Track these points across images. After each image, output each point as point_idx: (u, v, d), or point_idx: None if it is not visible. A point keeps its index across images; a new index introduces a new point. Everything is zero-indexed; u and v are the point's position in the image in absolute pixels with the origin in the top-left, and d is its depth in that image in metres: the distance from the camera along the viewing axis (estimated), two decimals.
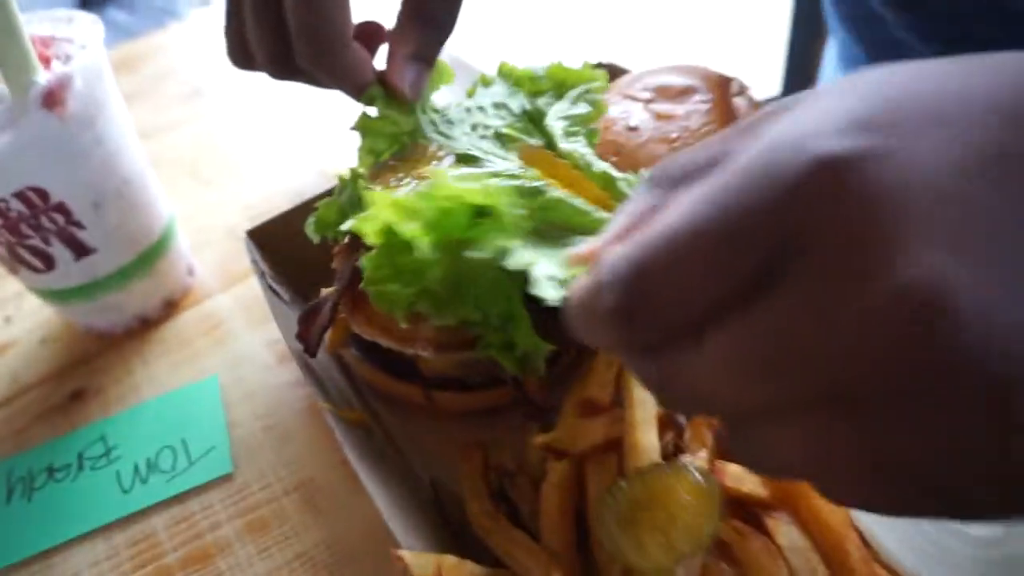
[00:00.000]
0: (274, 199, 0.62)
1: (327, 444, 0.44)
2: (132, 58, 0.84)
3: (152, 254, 0.51)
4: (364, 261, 0.32)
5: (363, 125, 0.43)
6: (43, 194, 0.44)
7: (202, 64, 0.84)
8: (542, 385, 0.39)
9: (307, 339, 0.41)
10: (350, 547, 0.39)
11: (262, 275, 0.46)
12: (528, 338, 0.33)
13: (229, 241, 0.59)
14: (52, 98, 0.42)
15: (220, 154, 0.69)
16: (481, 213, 0.30)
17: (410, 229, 0.30)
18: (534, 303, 0.35)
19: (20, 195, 0.43)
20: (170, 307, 0.54)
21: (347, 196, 0.37)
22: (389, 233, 0.30)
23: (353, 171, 0.37)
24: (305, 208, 0.47)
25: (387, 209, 0.30)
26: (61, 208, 0.45)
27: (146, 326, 0.53)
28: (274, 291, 0.46)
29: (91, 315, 0.52)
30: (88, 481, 0.44)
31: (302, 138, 0.68)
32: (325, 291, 0.45)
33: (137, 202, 0.49)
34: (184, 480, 0.43)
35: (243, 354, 0.50)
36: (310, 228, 0.40)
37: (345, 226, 0.33)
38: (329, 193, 0.45)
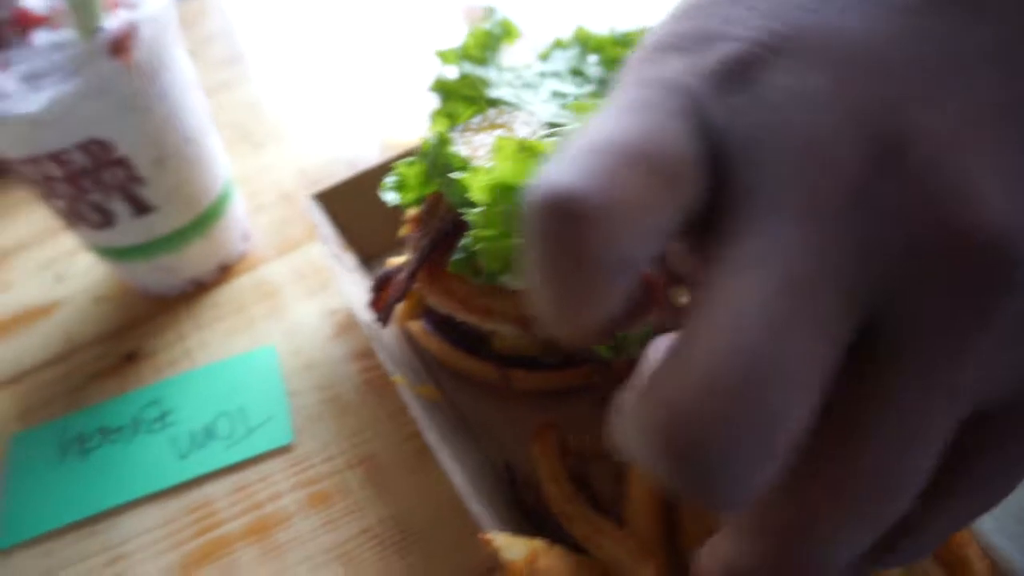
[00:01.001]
0: (331, 166, 0.60)
1: (389, 420, 0.42)
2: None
3: (210, 216, 0.49)
4: (472, 216, 0.30)
5: (441, 87, 0.41)
6: (107, 147, 0.42)
7: (244, 30, 0.82)
8: (630, 367, 0.37)
9: (380, 309, 0.39)
10: (417, 526, 0.37)
11: (328, 240, 0.44)
12: None
13: (284, 207, 0.58)
14: (118, 46, 0.40)
15: (270, 119, 0.67)
16: None
17: None
18: None
19: (83, 147, 0.41)
20: (224, 272, 0.53)
21: (431, 159, 0.35)
22: (504, 187, 0.29)
23: (440, 133, 0.35)
24: (376, 173, 0.46)
25: (512, 157, 0.28)
26: (124, 163, 0.43)
27: (200, 290, 0.52)
28: (339, 258, 0.44)
29: (147, 276, 0.50)
30: (143, 444, 0.43)
31: (357, 105, 0.66)
32: (393, 261, 0.43)
33: (198, 161, 0.47)
34: (243, 448, 0.42)
35: (299, 324, 0.49)
36: (388, 190, 0.38)
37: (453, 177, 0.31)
38: (396, 160, 0.43)
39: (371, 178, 0.47)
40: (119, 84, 0.41)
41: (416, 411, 0.35)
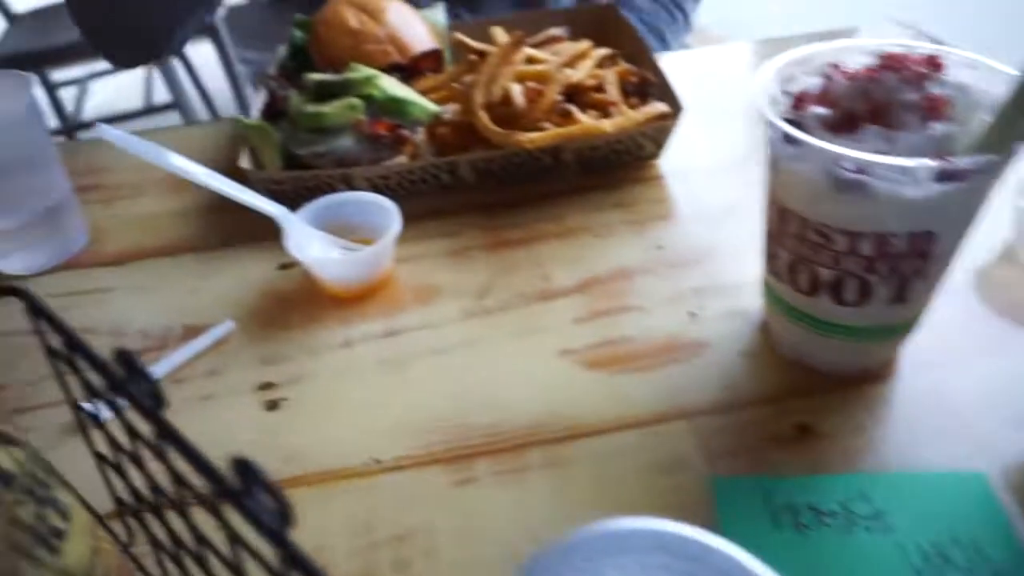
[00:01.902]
0: None
1: None
2: None
3: (919, 315, 0.48)
4: None
5: None
6: (930, 241, 0.41)
7: None
8: None
9: None
10: None
11: None
12: None
13: None
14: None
15: None
16: None
17: None
18: None
19: (912, 235, 0.41)
20: (887, 367, 0.51)
21: None
22: None
23: None
24: None
25: None
26: (927, 256, 0.42)
27: (865, 379, 0.50)
28: None
29: (825, 352, 0.50)
30: (864, 542, 0.41)
31: None
32: None
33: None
34: None
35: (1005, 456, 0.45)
36: None
37: None
38: None
39: None
40: (981, 192, 0.40)
41: None
